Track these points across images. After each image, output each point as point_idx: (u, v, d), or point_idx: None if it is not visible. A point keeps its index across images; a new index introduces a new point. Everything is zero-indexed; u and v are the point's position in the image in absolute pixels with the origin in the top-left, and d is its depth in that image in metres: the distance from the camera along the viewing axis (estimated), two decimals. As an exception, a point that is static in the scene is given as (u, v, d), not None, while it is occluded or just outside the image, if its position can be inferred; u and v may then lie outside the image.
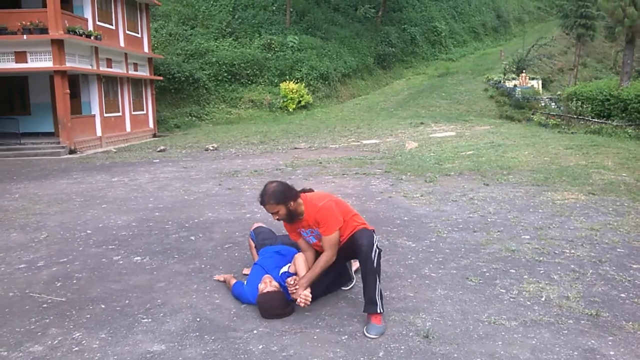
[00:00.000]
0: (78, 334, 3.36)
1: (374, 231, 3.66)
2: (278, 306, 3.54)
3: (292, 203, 3.56)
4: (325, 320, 3.49)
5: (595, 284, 4.02)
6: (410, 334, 3.26)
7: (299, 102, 26.49)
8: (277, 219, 3.63)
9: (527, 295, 3.82)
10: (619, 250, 4.82)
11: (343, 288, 4.04)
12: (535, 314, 3.50)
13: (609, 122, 18.51)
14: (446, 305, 3.68)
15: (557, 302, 3.68)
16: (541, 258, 4.62)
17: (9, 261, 4.95)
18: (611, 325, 3.34)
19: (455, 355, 3.00)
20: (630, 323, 3.35)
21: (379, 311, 3.36)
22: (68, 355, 3.09)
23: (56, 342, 3.26)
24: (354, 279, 4.11)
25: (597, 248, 4.89)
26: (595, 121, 19.08)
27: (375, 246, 3.48)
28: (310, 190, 3.80)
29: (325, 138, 16.90)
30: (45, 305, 3.84)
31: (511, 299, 3.76)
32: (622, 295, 3.81)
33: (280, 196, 3.52)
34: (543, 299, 3.75)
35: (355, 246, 3.50)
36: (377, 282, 3.43)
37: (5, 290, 4.17)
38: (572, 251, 4.80)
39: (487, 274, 4.27)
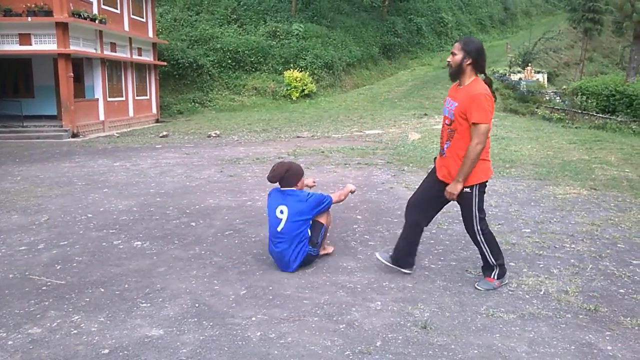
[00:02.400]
0: (77, 317, 3.37)
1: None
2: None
3: (468, 62, 3.60)
4: (324, 308, 3.49)
5: (594, 279, 4.02)
6: (408, 325, 3.26)
7: (303, 90, 26.40)
8: (447, 62, 3.74)
9: (526, 289, 3.82)
10: (619, 245, 4.81)
11: (403, 270, 4.06)
12: (534, 308, 3.50)
13: (614, 117, 18.43)
14: (444, 297, 3.68)
15: (556, 296, 3.68)
16: (541, 252, 4.62)
17: (9, 243, 4.97)
18: (609, 321, 3.33)
19: (453, 346, 3.00)
20: (629, 318, 3.35)
21: (492, 276, 3.82)
22: (67, 338, 3.10)
23: (55, 324, 3.27)
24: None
25: (597, 243, 4.88)
26: (599, 116, 19.01)
27: (474, 212, 3.73)
28: (492, 87, 3.71)
29: (328, 127, 16.86)
30: (44, 288, 3.86)
31: (510, 292, 3.76)
32: (621, 290, 3.81)
33: (469, 46, 3.61)
34: (542, 293, 3.75)
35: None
36: (484, 249, 3.78)
37: (5, 272, 4.18)
38: (573, 246, 4.80)
39: (487, 266, 4.26)
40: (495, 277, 3.83)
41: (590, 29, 33.72)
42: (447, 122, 3.75)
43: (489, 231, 3.84)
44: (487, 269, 3.89)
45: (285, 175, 4.21)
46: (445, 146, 3.76)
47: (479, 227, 3.77)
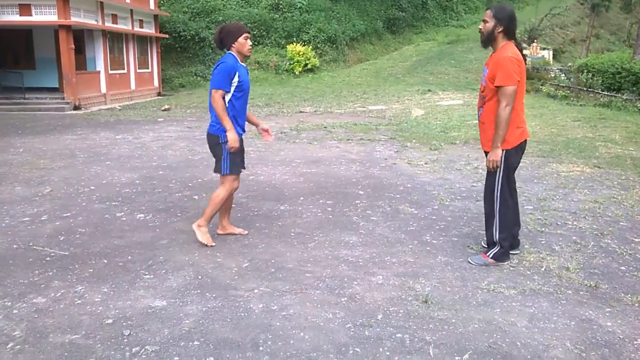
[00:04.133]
0: (80, 288, 3.40)
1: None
2: None
3: (499, 29, 3.66)
4: (326, 282, 3.51)
5: (595, 256, 4.03)
6: (410, 299, 3.28)
7: (306, 65, 26.15)
8: (479, 29, 3.78)
9: (527, 265, 3.83)
10: (621, 223, 4.81)
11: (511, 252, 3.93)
12: (535, 284, 3.52)
13: (619, 95, 18.27)
14: (446, 272, 3.70)
15: (557, 273, 3.70)
16: (543, 229, 4.62)
17: (13, 214, 4.98)
18: (609, 297, 3.35)
19: (453, 320, 3.03)
20: (629, 295, 3.37)
21: (487, 254, 3.81)
22: (71, 308, 3.13)
23: (59, 294, 3.30)
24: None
25: (599, 221, 4.88)
26: (605, 94, 18.84)
27: (497, 178, 3.72)
28: (523, 52, 3.75)
29: (331, 102, 16.76)
30: (48, 259, 3.88)
31: (511, 268, 3.78)
32: (622, 268, 3.82)
33: (501, 14, 3.66)
34: (543, 269, 3.76)
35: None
36: (495, 220, 3.77)
37: (9, 243, 4.21)
38: (575, 223, 4.80)
39: (489, 242, 4.27)
40: (491, 256, 3.82)
41: (598, 4, 33.20)
42: (481, 89, 3.82)
43: (510, 205, 3.80)
44: (489, 245, 3.90)
45: (220, 37, 4.06)
46: (479, 112, 3.83)
47: (498, 194, 3.76)
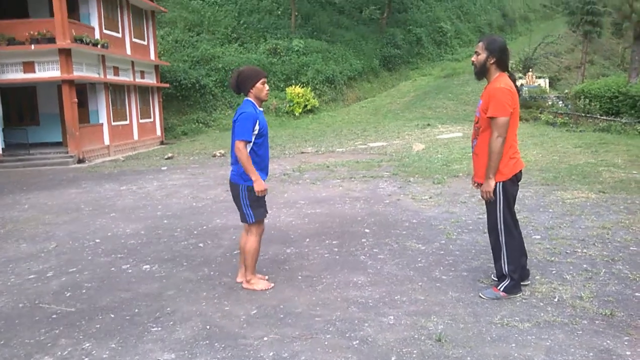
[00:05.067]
0: (88, 344, 3.35)
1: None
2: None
3: (492, 61, 3.71)
4: (336, 325, 3.46)
5: (608, 283, 3.97)
6: (422, 338, 3.22)
7: (305, 106, 26.48)
8: (473, 62, 3.82)
9: (540, 296, 3.77)
10: (631, 248, 4.76)
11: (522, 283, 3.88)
12: (549, 315, 3.45)
13: (618, 119, 18.35)
14: (458, 308, 3.64)
15: (571, 303, 3.63)
16: (553, 258, 4.57)
17: (18, 272, 4.96)
18: (626, 325, 3.28)
19: (469, 358, 2.96)
20: (646, 323, 3.30)
21: (499, 287, 3.73)
22: (78, 366, 3.08)
23: (66, 352, 3.25)
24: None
25: (609, 247, 4.82)
26: (603, 119, 18.92)
27: (497, 211, 3.73)
28: (516, 83, 3.83)
29: (332, 142, 16.88)
30: (54, 316, 3.84)
31: (524, 300, 3.71)
32: (637, 294, 3.75)
33: (492, 46, 3.71)
34: (556, 300, 3.70)
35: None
36: (502, 252, 3.74)
37: (15, 302, 4.18)
38: (584, 250, 4.74)
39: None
40: (502, 289, 3.76)
41: (590, 31, 33.69)
42: (475, 120, 3.88)
43: (515, 235, 3.78)
44: (499, 277, 3.85)
45: (238, 83, 4.00)
46: (473, 144, 3.88)
47: (502, 226, 3.74)
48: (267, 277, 4.36)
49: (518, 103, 3.71)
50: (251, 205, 4.04)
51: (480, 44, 3.71)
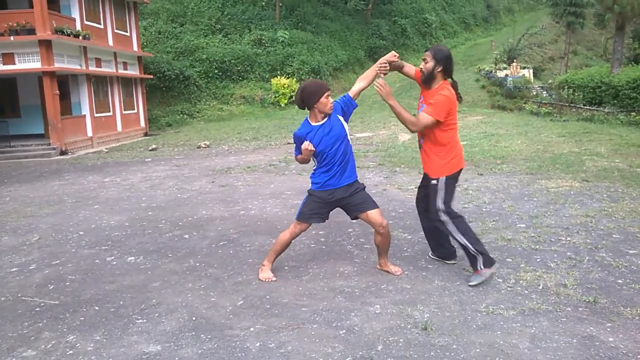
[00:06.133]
0: (72, 337, 3.31)
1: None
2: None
3: (438, 69, 3.93)
4: (323, 315, 3.45)
5: (592, 270, 4.01)
6: (409, 326, 3.23)
7: (291, 97, 26.36)
8: (420, 68, 4.06)
9: (525, 284, 3.80)
10: (614, 236, 4.81)
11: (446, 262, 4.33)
12: (533, 303, 3.48)
13: (601, 109, 18.55)
14: (444, 297, 3.66)
15: (555, 290, 3.67)
16: (537, 246, 4.61)
17: (0, 265, 4.89)
18: (609, 312, 3.32)
19: (454, 346, 2.98)
20: (628, 309, 3.34)
21: (479, 267, 3.83)
22: (62, 359, 3.04)
23: (50, 346, 3.21)
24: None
25: (592, 235, 4.88)
26: (587, 108, 19.13)
27: (436, 204, 3.93)
28: (458, 91, 4.04)
29: (318, 132, 16.83)
30: (38, 309, 3.79)
31: (509, 288, 3.74)
32: (619, 281, 3.80)
33: (439, 55, 3.93)
34: (540, 287, 3.73)
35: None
36: (459, 238, 3.89)
37: (-3, 295, 4.11)
38: (568, 238, 4.79)
39: (484, 263, 4.24)
40: (482, 266, 3.82)
41: (573, 22, 33.94)
42: None
43: (459, 218, 3.96)
44: (472, 261, 3.90)
45: (302, 99, 3.93)
46: (420, 142, 4.11)
47: (444, 217, 3.92)
48: (399, 272, 4.15)
49: (456, 108, 3.97)
50: (305, 204, 4.09)
51: (429, 52, 3.95)
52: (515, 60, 30.90)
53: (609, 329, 3.10)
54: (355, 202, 4.01)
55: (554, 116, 19.13)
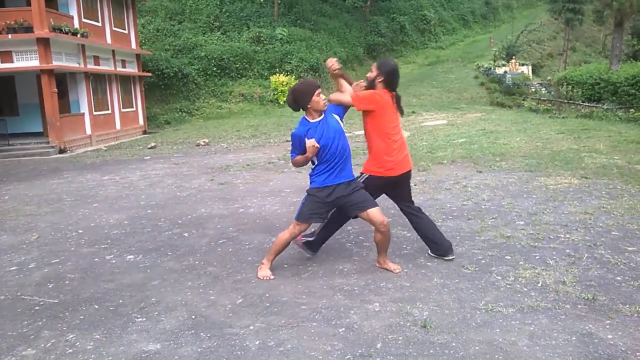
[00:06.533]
0: (72, 336, 3.31)
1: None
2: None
3: (380, 79, 4.13)
4: (322, 313, 3.46)
5: (591, 267, 4.02)
6: (408, 324, 3.24)
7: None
8: (366, 77, 4.21)
9: (524, 282, 3.81)
10: (613, 233, 4.82)
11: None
12: (532, 300, 3.49)
13: (600, 105, 18.56)
14: (443, 294, 3.66)
15: (554, 288, 3.67)
16: (536, 244, 4.61)
17: (-1, 264, 4.89)
18: (608, 309, 3.33)
19: (454, 344, 2.98)
20: (627, 306, 3.35)
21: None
22: (62, 358, 3.04)
23: (49, 344, 3.21)
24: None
25: (591, 232, 4.88)
26: (585, 105, 19.14)
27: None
28: (400, 103, 4.29)
29: (317, 130, 16.82)
30: (37, 308, 3.79)
31: (507, 286, 3.75)
32: (618, 278, 3.80)
33: (383, 67, 4.12)
34: (539, 285, 3.74)
35: None
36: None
37: (-3, 294, 4.11)
38: (567, 236, 4.80)
39: (483, 261, 4.26)
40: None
41: (572, 19, 33.94)
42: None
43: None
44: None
45: (294, 100, 3.95)
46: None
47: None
48: (399, 270, 4.14)
49: (388, 111, 4.12)
50: (304, 205, 4.10)
51: (375, 64, 4.18)
52: (514, 57, 30.92)
53: (607, 326, 3.11)
54: (354, 200, 4.01)
55: (552, 113, 19.15)
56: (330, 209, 4.14)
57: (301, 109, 3.99)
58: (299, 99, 3.92)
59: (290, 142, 4.04)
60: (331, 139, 3.91)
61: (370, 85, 4.13)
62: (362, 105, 4.05)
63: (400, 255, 4.52)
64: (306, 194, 4.15)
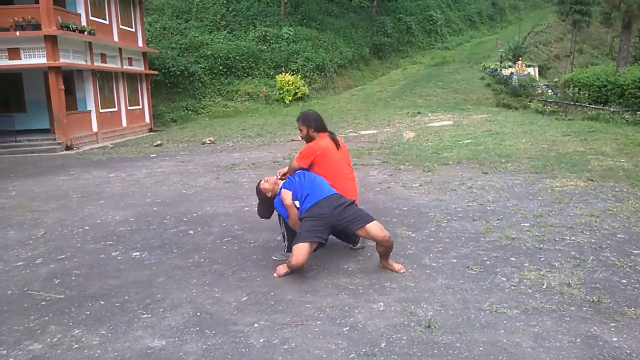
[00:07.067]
0: (77, 331, 3.33)
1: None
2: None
3: (311, 130, 4.68)
4: (327, 312, 3.47)
5: (596, 270, 4.01)
6: (412, 324, 3.24)
7: (295, 94, 26.40)
8: (301, 137, 4.79)
9: (528, 283, 3.80)
10: (619, 236, 4.81)
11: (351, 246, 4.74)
12: (537, 302, 3.49)
13: (607, 108, 18.49)
14: (447, 295, 3.66)
15: (559, 290, 3.67)
16: (541, 245, 4.61)
17: (6, 259, 4.92)
18: (613, 312, 3.32)
19: (458, 344, 2.98)
20: (632, 309, 3.34)
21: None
22: (68, 353, 3.07)
23: (56, 339, 3.24)
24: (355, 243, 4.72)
25: (597, 234, 4.87)
26: (592, 107, 19.06)
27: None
28: (334, 137, 4.79)
29: (322, 129, 16.82)
30: (44, 303, 3.82)
31: (512, 287, 3.75)
32: (624, 281, 3.80)
33: (307, 120, 4.70)
34: (544, 287, 3.73)
35: None
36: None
37: (4, 289, 4.14)
38: (573, 238, 4.79)
39: (488, 262, 4.26)
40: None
41: (579, 20, 33.84)
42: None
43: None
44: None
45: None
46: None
47: None
48: (403, 270, 4.13)
49: (330, 153, 4.63)
50: (300, 227, 4.22)
51: (299, 122, 4.72)
52: (520, 59, 30.86)
53: (612, 329, 3.10)
54: (350, 217, 4.23)
55: (559, 115, 19.09)
56: (328, 228, 4.14)
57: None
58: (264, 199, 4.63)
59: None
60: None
61: (309, 138, 4.69)
62: (306, 161, 4.56)
63: (404, 255, 4.52)
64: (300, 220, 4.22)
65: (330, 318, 3.38)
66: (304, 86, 26.92)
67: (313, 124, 4.70)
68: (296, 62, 27.90)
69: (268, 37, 28.73)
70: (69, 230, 5.90)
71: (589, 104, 19.66)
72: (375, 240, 4.03)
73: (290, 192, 4.28)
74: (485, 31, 44.03)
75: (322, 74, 28.69)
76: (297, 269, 4.05)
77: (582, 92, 20.50)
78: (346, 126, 17.55)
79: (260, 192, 4.63)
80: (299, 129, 4.77)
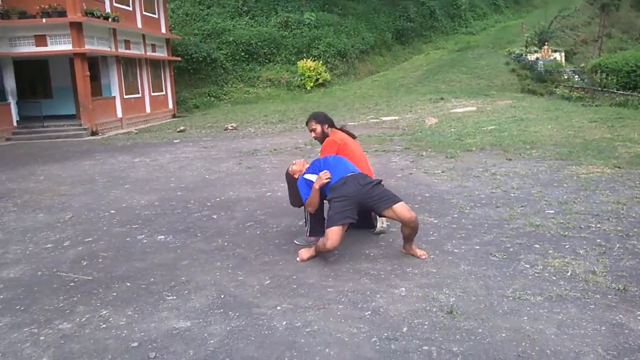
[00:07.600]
0: (105, 312, 3.42)
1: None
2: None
3: (326, 126, 4.89)
4: (348, 296, 3.49)
5: (622, 258, 3.95)
6: (434, 310, 3.25)
7: (317, 80, 26.32)
8: (314, 137, 4.95)
9: (553, 270, 3.77)
10: (646, 224, 4.72)
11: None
12: (561, 289, 3.46)
13: (636, 94, 18.04)
14: (470, 281, 3.65)
15: (584, 277, 3.63)
16: (566, 233, 4.55)
17: (36, 241, 5.05)
18: (639, 300, 3.28)
19: (480, 330, 2.98)
20: (659, 297, 3.29)
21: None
22: (96, 332, 3.15)
23: (84, 319, 3.32)
24: (374, 226, 4.80)
25: (623, 222, 4.79)
26: (620, 93, 18.61)
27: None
28: (347, 131, 5.01)
29: (343, 116, 16.80)
30: (72, 284, 3.92)
31: (536, 274, 3.72)
32: (651, 269, 3.73)
33: (319, 118, 4.92)
34: (569, 274, 3.70)
35: None
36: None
37: (34, 270, 4.26)
38: (598, 225, 4.72)
39: (511, 249, 4.22)
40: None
41: (608, 4, 32.93)
42: None
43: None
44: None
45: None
46: None
47: None
48: (425, 256, 4.12)
49: (349, 145, 4.81)
50: (329, 211, 4.21)
51: (312, 121, 4.90)
52: (546, 44, 30.21)
53: (639, 318, 3.06)
54: (377, 196, 4.16)
55: (585, 101, 18.70)
56: (357, 207, 4.11)
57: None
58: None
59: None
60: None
61: (324, 135, 4.87)
62: (331, 153, 4.68)
63: (427, 241, 4.51)
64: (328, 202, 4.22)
65: (352, 302, 3.40)
66: (326, 72, 26.81)
67: (326, 121, 4.91)
68: (318, 48, 27.78)
69: (290, 23, 28.63)
70: (95, 213, 6.02)
71: (617, 89, 19.21)
72: (402, 221, 4.01)
73: (318, 175, 4.26)
74: (510, 15, 43.18)
75: (344, 59, 28.53)
76: (330, 252, 4.08)
77: (610, 78, 20.02)
78: (368, 112, 17.47)
79: (288, 176, 4.66)
80: (312, 130, 4.90)
